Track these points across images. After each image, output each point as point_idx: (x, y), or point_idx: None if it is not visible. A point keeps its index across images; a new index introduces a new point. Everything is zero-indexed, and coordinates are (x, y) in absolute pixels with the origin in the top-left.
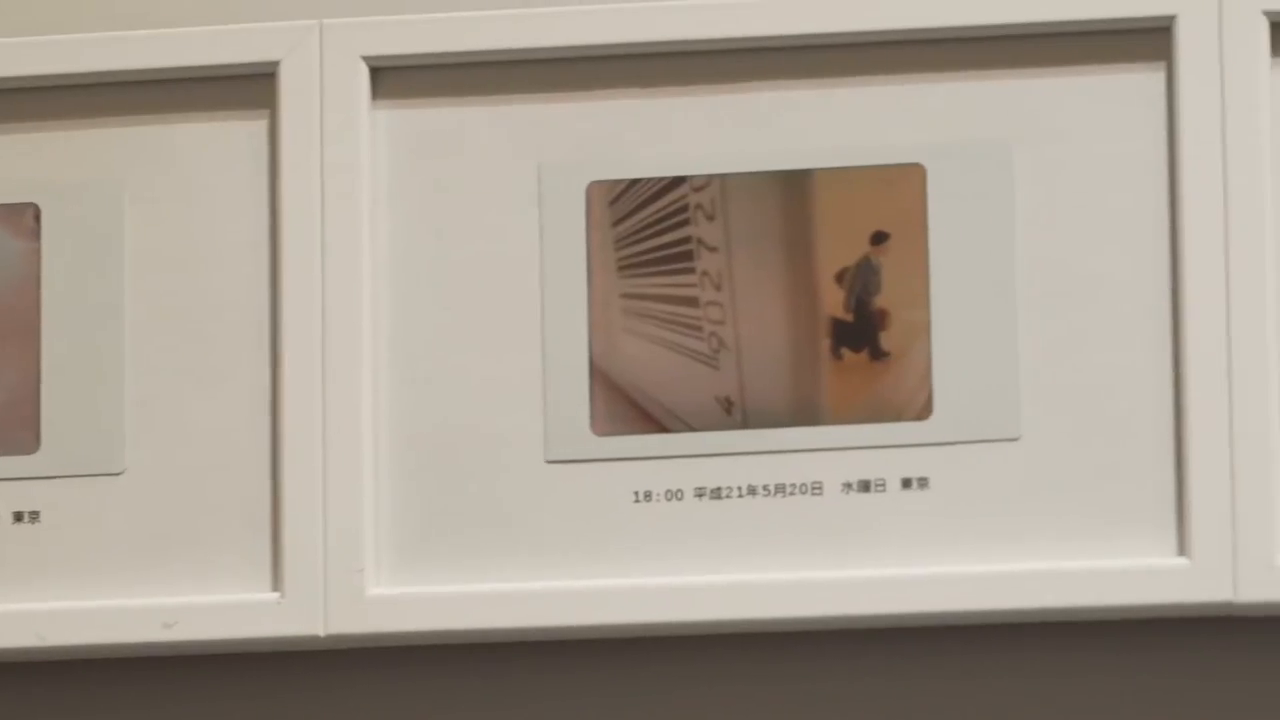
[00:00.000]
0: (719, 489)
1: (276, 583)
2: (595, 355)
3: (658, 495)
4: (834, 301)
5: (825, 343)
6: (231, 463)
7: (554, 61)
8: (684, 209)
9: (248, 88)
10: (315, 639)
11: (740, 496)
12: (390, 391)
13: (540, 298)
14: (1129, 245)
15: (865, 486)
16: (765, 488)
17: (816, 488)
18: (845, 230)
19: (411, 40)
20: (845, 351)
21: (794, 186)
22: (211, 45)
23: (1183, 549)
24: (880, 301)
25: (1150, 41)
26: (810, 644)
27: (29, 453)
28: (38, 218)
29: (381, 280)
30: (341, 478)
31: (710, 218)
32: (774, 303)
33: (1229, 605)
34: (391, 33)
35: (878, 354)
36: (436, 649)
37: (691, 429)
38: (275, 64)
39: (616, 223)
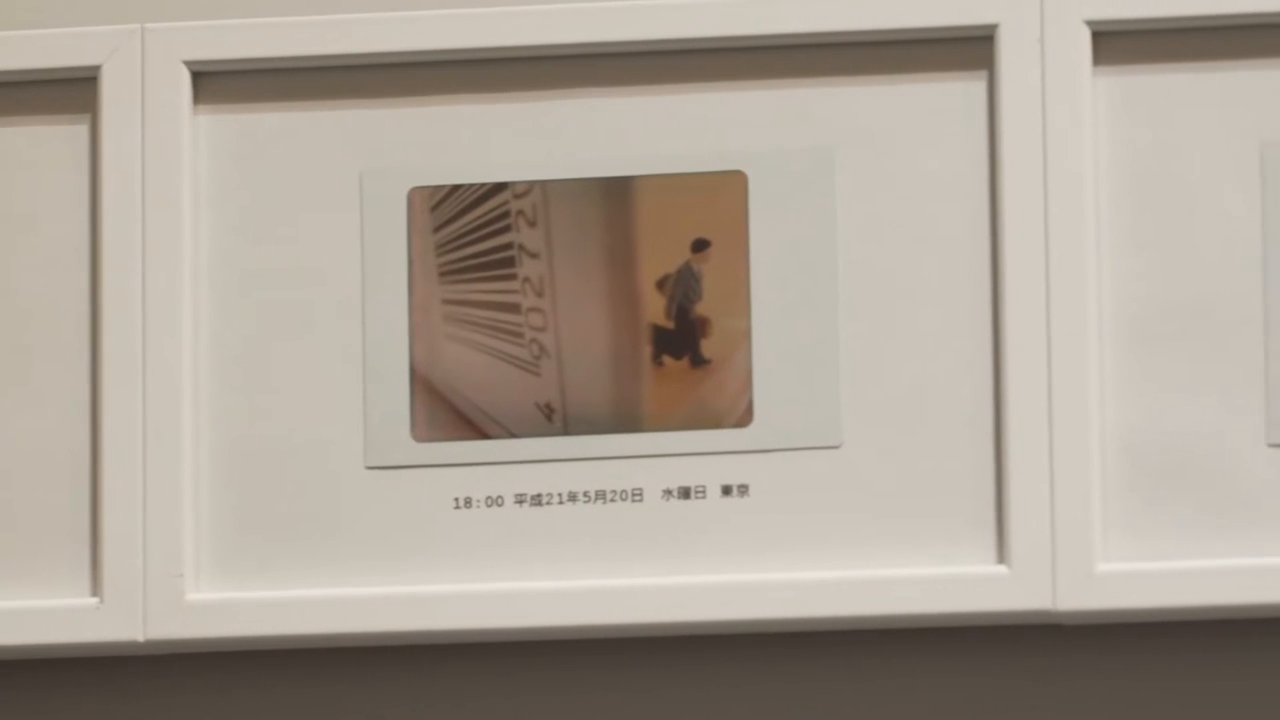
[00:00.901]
0: (539, 495)
1: (96, 588)
2: (416, 361)
3: (478, 501)
4: (655, 308)
5: (646, 350)
6: (50, 468)
7: (376, 67)
8: (505, 215)
9: (69, 92)
10: (134, 644)
11: (561, 503)
12: (210, 397)
13: (361, 304)
14: (950, 253)
15: (685, 493)
16: (586, 494)
17: (637, 494)
18: (666, 237)
19: (233, 45)
20: (666, 358)
21: (615, 193)
22: (32, 49)
23: (1002, 557)
24: (701, 309)
25: (972, 50)
26: (630, 650)
27: None
28: None
29: (202, 286)
30: (161, 483)
31: (532, 224)
32: (595, 309)
33: (1048, 613)
34: (213, 37)
35: (698, 361)
36: (256, 654)
37: (512, 435)
38: (97, 68)
39: (438, 228)
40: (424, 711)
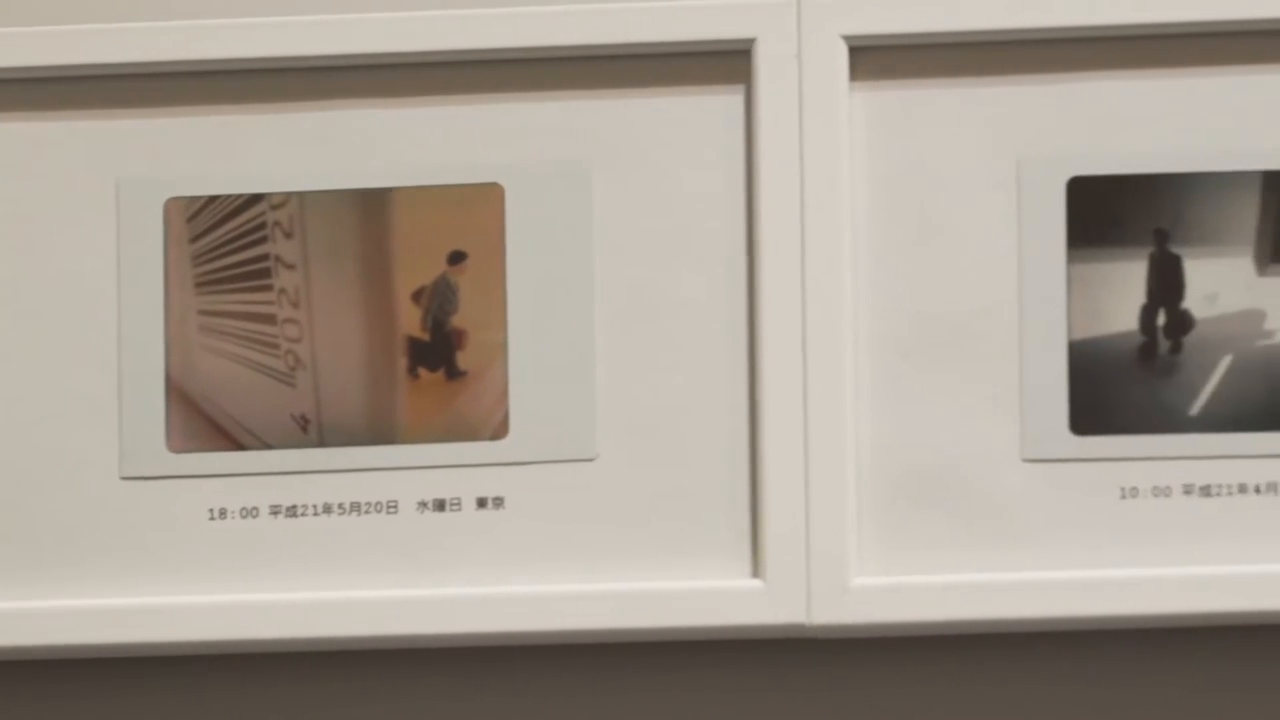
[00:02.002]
0: (295, 507)
1: None
2: (172, 372)
3: (233, 513)
4: (411, 320)
5: (402, 361)
6: None
7: (132, 77)
8: (262, 226)
9: None
10: None
11: (316, 514)
12: None
13: (117, 314)
14: (706, 267)
15: (440, 505)
16: (341, 506)
17: (392, 506)
18: (423, 249)
19: None
20: (422, 370)
21: (372, 205)
22: None
23: (757, 571)
24: (457, 321)
25: (730, 64)
26: (384, 662)
27: None
28: None
29: None
30: None
31: (288, 235)
32: (351, 321)
33: (802, 627)
34: None
35: (454, 373)
36: (10, 665)
37: (268, 446)
38: None
39: (194, 239)
40: None
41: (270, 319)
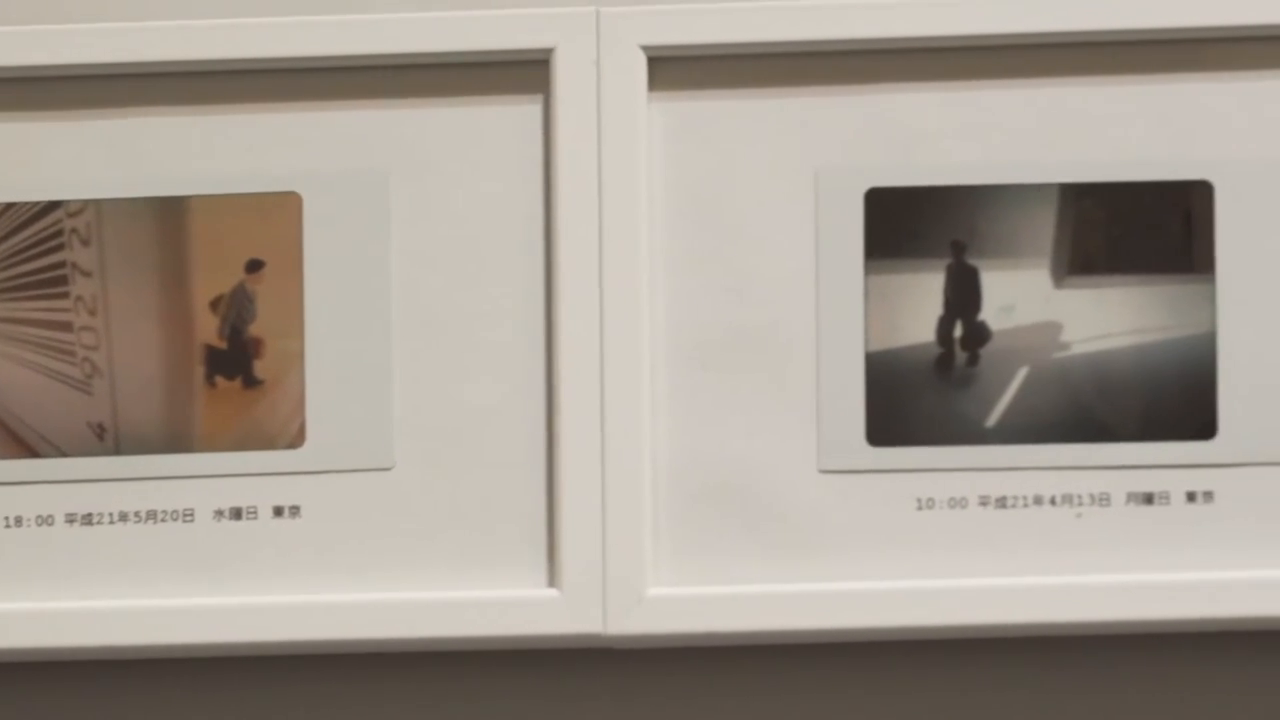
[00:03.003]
0: (90, 515)
1: None
2: None
3: (29, 520)
4: (208, 329)
5: (199, 370)
6: None
7: None
8: (59, 234)
9: None
10: None
11: (112, 523)
12: None
13: None
14: (505, 277)
15: (237, 514)
16: (137, 514)
17: (188, 515)
18: (220, 257)
19: None
20: (219, 379)
21: (169, 213)
22: None
23: (553, 581)
24: (255, 329)
25: (529, 73)
26: (178, 670)
27: None
28: None
29: None
30: None
31: (86, 243)
32: (148, 329)
33: (598, 637)
34: None
35: (251, 382)
36: None
37: (63, 454)
38: None
39: None
40: None
41: (67, 326)
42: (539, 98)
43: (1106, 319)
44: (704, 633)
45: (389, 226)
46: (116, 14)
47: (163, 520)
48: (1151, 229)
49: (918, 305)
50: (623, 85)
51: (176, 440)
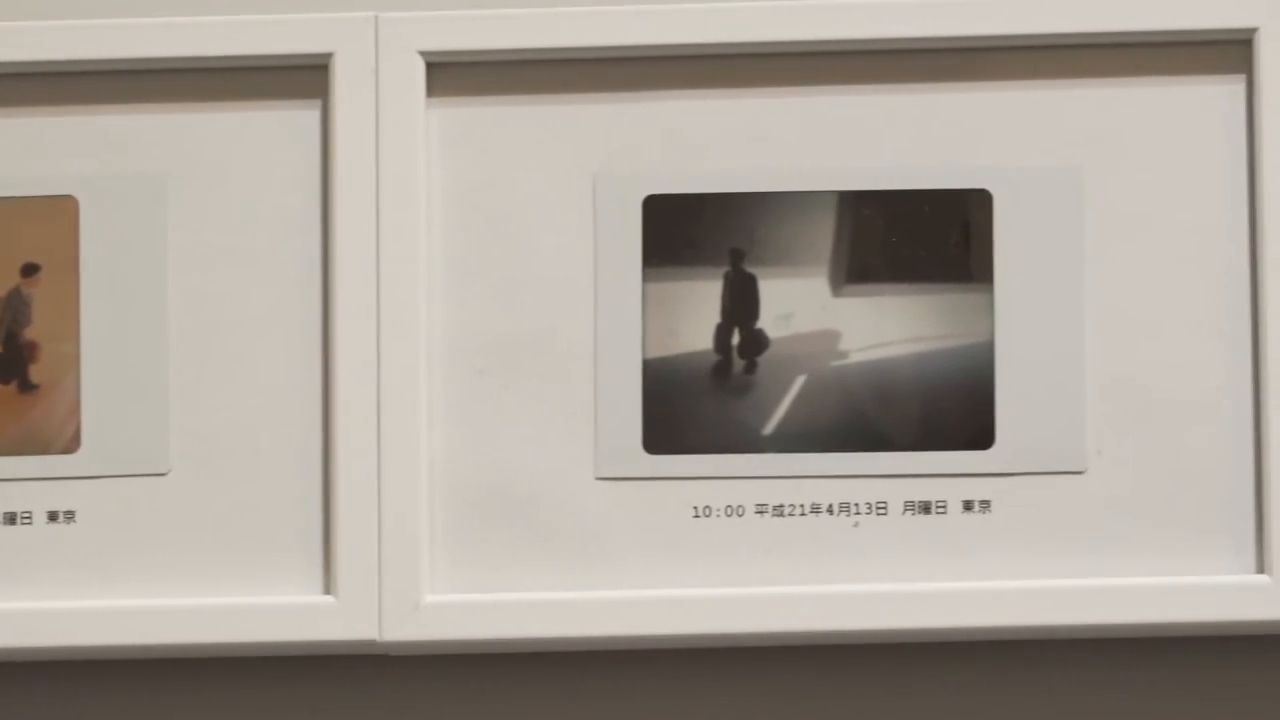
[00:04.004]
0: None
1: None
2: None
3: None
4: None
5: None
6: None
7: None
8: None
9: None
10: None
11: None
12: None
13: None
14: (282, 282)
15: (12, 519)
16: None
17: None
18: None
19: None
20: None
21: None
22: None
23: (329, 587)
24: (30, 333)
25: (307, 78)
26: None
27: None
28: None
29: None
30: None
31: None
32: None
33: (373, 644)
34: None
35: (27, 386)
36: None
37: None
38: None
39: None
40: None
41: None
42: (317, 103)
43: (884, 327)
44: (480, 639)
45: (166, 231)
46: None
47: None
48: (930, 237)
49: (695, 312)
50: (401, 91)
51: None
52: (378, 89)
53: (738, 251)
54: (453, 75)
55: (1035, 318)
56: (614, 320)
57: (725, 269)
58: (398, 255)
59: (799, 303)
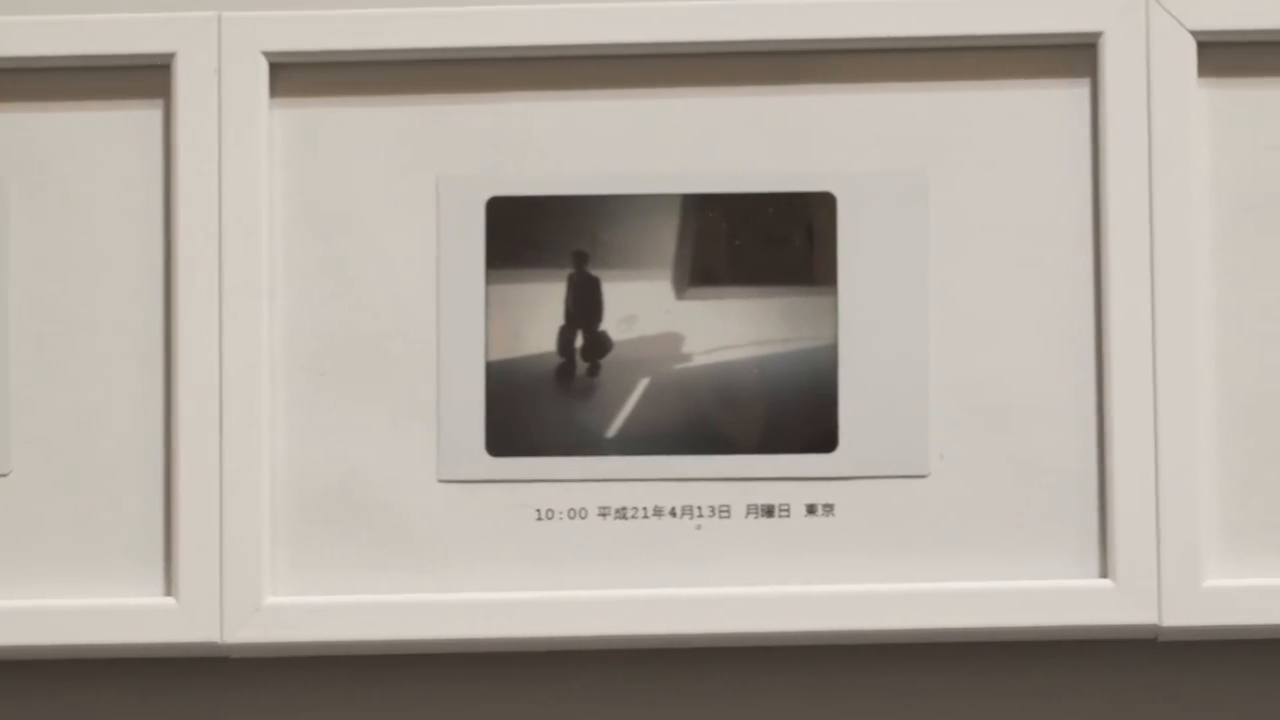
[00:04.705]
0: None
1: None
2: None
3: None
4: None
5: None
6: None
7: None
8: None
9: None
10: None
11: None
12: None
13: None
14: (125, 283)
15: None
16: None
17: None
18: None
19: None
20: None
21: None
22: None
23: (170, 589)
24: None
25: (149, 79)
26: None
27: None
28: None
29: None
30: None
31: None
32: None
33: (215, 645)
34: None
35: None
36: None
37: None
38: None
39: None
40: None
41: None
42: (160, 103)
43: (728, 330)
44: (322, 642)
45: (7, 232)
46: None
47: None
48: (774, 240)
49: (539, 315)
50: (244, 91)
51: None
52: (220, 89)
53: (581, 254)
54: (296, 76)
55: (879, 321)
56: (457, 322)
57: (569, 271)
58: (240, 256)
59: (642, 305)
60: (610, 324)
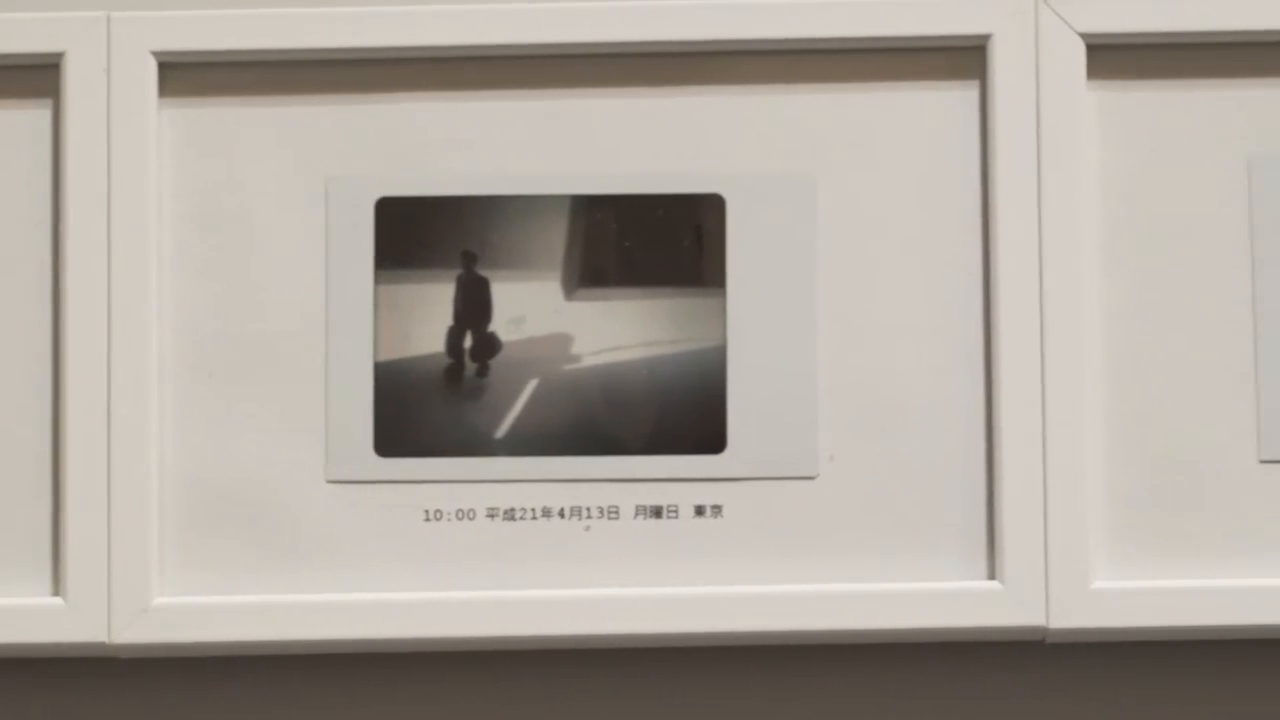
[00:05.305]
0: None
1: None
2: None
3: None
4: None
5: None
6: None
7: None
8: None
9: None
10: None
11: None
12: None
13: None
14: (13, 283)
15: None
16: None
17: None
18: None
19: None
20: None
21: None
22: None
23: (58, 589)
24: None
25: (38, 78)
26: None
27: None
28: None
29: None
30: None
31: None
32: None
33: (103, 646)
34: None
35: None
36: None
37: None
38: None
39: None
40: None
41: None
42: (49, 103)
43: (617, 331)
44: (210, 642)
45: None
46: None
47: None
48: (663, 242)
49: (428, 315)
50: (133, 91)
51: None
52: (109, 89)
53: (470, 254)
54: (185, 76)
55: (768, 323)
56: (346, 323)
57: (458, 272)
58: (128, 257)
59: (531, 306)
60: (499, 325)
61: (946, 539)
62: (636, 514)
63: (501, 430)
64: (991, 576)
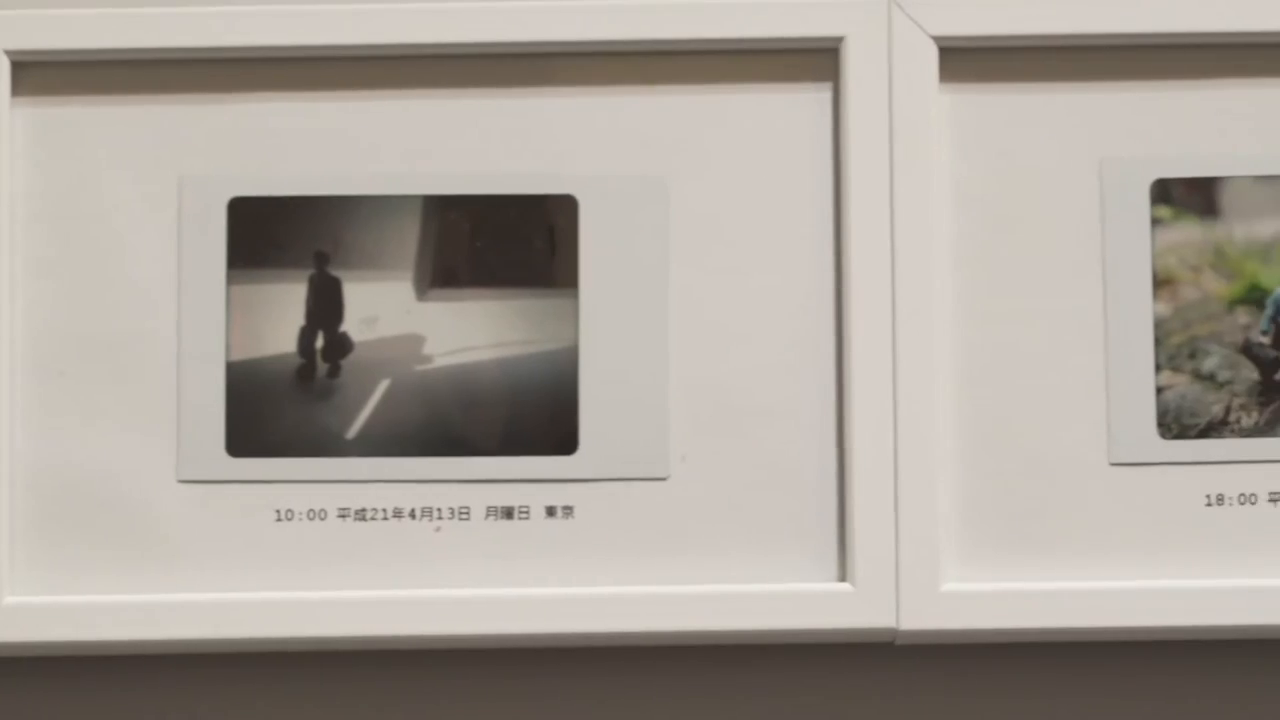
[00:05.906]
0: None
1: None
2: None
3: None
4: None
5: None
6: None
7: None
8: None
9: None
10: None
11: None
12: None
13: None
14: None
15: None
16: None
17: None
18: None
19: None
20: None
21: None
22: None
23: None
24: None
25: None
26: None
27: None
28: None
29: None
30: None
31: None
32: None
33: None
34: None
35: None
36: None
37: None
38: None
39: None
40: None
41: None
42: None
43: (469, 332)
44: (59, 642)
45: None
46: None
47: None
48: (515, 242)
49: (280, 315)
50: None
51: None
52: None
53: (322, 254)
54: (39, 74)
55: (620, 324)
56: (197, 322)
57: (310, 272)
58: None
59: (383, 306)
60: (351, 325)
61: (797, 540)
62: (488, 515)
63: (353, 430)
64: (842, 578)
